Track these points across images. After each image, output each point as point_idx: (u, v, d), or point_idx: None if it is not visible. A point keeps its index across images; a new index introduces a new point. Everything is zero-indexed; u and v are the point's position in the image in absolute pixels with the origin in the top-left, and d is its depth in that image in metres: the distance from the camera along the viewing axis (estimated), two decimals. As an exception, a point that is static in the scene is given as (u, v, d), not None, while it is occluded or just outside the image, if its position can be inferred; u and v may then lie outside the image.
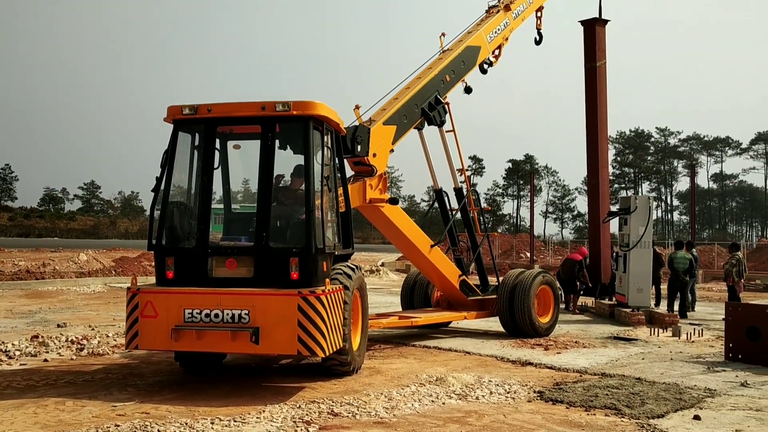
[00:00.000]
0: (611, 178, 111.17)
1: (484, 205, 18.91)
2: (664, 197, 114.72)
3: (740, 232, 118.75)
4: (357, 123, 11.15)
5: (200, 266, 8.15)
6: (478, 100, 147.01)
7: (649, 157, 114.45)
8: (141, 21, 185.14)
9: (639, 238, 15.52)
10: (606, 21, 19.72)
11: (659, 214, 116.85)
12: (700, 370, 9.69)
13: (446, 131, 13.22)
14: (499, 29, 14.27)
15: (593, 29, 19.52)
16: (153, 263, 35.32)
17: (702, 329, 13.91)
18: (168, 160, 8.37)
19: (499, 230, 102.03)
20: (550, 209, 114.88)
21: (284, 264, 7.99)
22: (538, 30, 16.16)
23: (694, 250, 18.74)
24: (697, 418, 7.02)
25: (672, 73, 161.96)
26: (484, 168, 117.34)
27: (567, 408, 7.42)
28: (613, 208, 17.51)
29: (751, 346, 10.25)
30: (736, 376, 9.24)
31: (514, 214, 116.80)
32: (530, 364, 10.09)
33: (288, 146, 8.60)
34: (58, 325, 13.71)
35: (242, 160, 9.68)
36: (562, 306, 17.95)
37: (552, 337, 12.92)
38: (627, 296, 15.65)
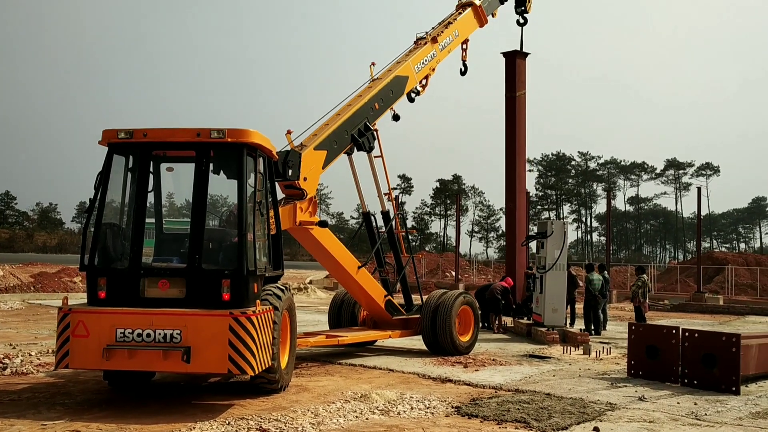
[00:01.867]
0: (533, 199, 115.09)
1: (409, 226, 19.46)
2: (584, 219, 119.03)
3: (654, 254, 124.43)
4: (289, 148, 11.54)
5: (132, 287, 8.34)
6: (418, 118, 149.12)
7: (570, 180, 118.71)
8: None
9: (555, 260, 16.42)
10: (526, 54, 20.78)
11: (579, 235, 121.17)
12: (604, 386, 10.45)
13: (375, 156, 13.76)
14: (426, 60, 14.93)
15: (514, 61, 20.54)
16: (73, 279, 34.24)
17: (610, 347, 14.81)
18: (102, 181, 8.55)
19: (427, 249, 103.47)
20: (476, 229, 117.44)
21: (216, 285, 8.27)
22: (464, 62, 16.92)
23: (606, 272, 19.83)
24: (596, 430, 7.69)
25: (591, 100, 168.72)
26: (412, 187, 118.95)
27: (481, 422, 7.97)
28: (533, 231, 18.47)
29: (650, 364, 11.10)
30: (636, 391, 10.03)
31: (441, 233, 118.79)
32: (450, 380, 10.64)
33: (222, 171, 8.90)
34: (-23, 344, 13.43)
35: (174, 181, 9.94)
36: (486, 325, 18.70)
37: (472, 355, 13.54)
38: (543, 316, 16.51)
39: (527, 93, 20.71)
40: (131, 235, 8.53)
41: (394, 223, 14.44)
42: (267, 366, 8.50)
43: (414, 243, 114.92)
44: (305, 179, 11.61)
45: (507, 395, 9.52)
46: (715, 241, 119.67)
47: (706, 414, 8.66)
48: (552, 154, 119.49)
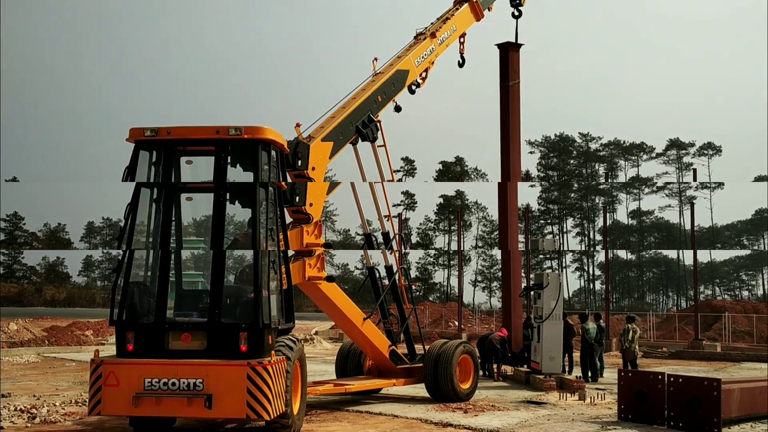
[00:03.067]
0: (535, 213, 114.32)
1: (413, 277, 20.18)
2: (587, 233, 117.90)
3: (657, 301, 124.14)
4: (298, 139, 12.34)
5: (158, 340, 9.12)
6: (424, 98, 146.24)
7: (571, 161, 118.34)
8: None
9: (551, 311, 17.17)
10: (520, 45, 21.57)
11: (582, 284, 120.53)
12: (596, 429, 11.11)
13: (378, 146, 14.42)
14: (425, 54, 15.68)
15: (507, 52, 21.38)
16: (84, 332, 34.98)
17: (605, 393, 15.42)
18: (131, 211, 9.25)
19: (430, 299, 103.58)
20: (479, 279, 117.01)
21: (234, 337, 9.05)
22: (461, 54, 17.47)
23: (601, 321, 20.52)
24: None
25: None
26: (415, 169, 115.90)
27: (478, 461, 8.64)
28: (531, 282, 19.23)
29: (639, 407, 11.77)
30: (624, 434, 10.69)
31: (445, 283, 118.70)
32: (450, 425, 11.29)
33: (239, 164, 9.74)
34: (2, 395, 14.05)
35: (192, 208, 10.67)
36: (486, 373, 19.29)
37: (472, 401, 14.19)
38: (540, 364, 17.16)
39: (521, 82, 21.41)
40: (156, 291, 9.31)
41: (397, 276, 15.18)
42: (281, 412, 9.21)
43: (417, 293, 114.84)
44: (311, 205, 12.31)
45: (503, 438, 10.17)
46: (717, 288, 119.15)
47: (687, 453, 9.29)
48: (555, 135, 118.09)
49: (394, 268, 14.98)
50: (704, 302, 47.80)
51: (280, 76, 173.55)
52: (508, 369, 19.91)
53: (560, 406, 13.81)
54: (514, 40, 21.59)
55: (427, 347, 14.90)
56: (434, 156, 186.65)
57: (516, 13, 20.49)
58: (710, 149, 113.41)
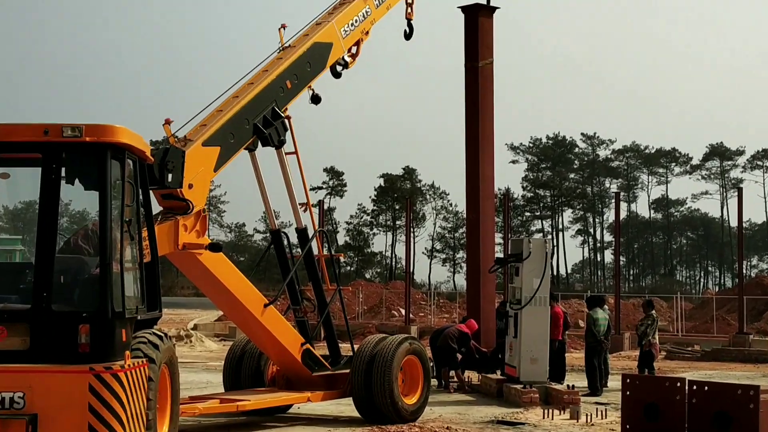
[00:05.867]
0: (521, 203, 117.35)
1: (339, 246, 20.40)
2: (591, 230, 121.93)
3: (692, 279, 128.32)
4: (168, 144, 12.45)
5: (-42, 336, 9.09)
6: (342, 93, 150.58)
7: (571, 175, 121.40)
8: None
9: (533, 292, 17.72)
10: (493, 8, 21.87)
11: (585, 254, 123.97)
12: (589, 459, 11.70)
13: (287, 153, 14.77)
14: (356, 21, 15.89)
15: (476, 18, 21.60)
16: None
17: (607, 409, 16.13)
18: None
19: (367, 276, 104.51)
20: (438, 246, 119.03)
21: (71, 333, 9.09)
22: (409, 21, 17.90)
23: (606, 306, 21.32)
24: None
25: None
26: (345, 186, 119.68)
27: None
28: (501, 254, 19.77)
29: (649, 427, 12.40)
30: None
31: (388, 254, 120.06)
32: (387, 457, 11.70)
33: (78, 180, 9.76)
34: None
35: (10, 190, 10.76)
36: (442, 383, 19.85)
37: (420, 422, 14.63)
38: (518, 369, 17.76)
39: (495, 62, 21.88)
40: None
41: (315, 243, 15.43)
42: (140, 439, 9.37)
43: (347, 268, 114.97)
44: (190, 186, 12.53)
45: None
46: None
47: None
48: (547, 138, 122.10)
49: (311, 232, 15.21)
50: (753, 280, 49.34)
51: (140, 50, 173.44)
52: (473, 376, 20.53)
53: (543, 428, 14.41)
54: (484, 1, 21.62)
55: (357, 346, 15.24)
56: (372, 167, 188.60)
57: None
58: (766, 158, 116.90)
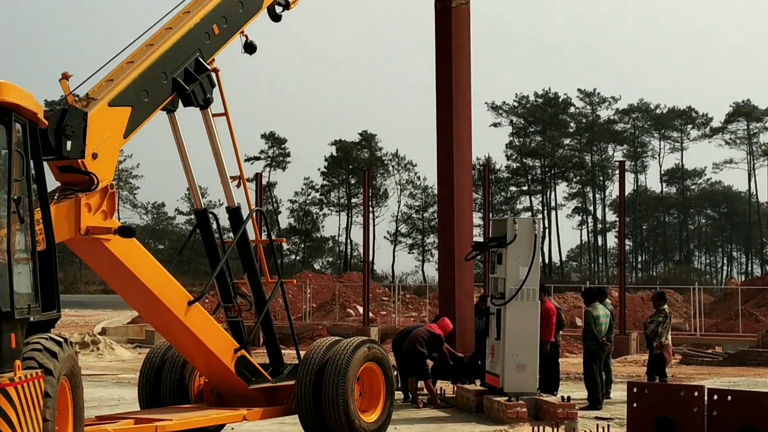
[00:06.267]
0: (505, 175, 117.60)
1: (282, 230, 20.32)
2: (590, 207, 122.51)
3: (714, 266, 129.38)
4: (66, 104, 12.31)
5: None
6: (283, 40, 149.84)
7: (566, 141, 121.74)
8: None
9: (520, 284, 17.78)
10: None
11: (584, 238, 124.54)
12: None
13: (214, 115, 14.69)
14: None
15: None
16: None
17: (609, 425, 16.25)
18: None
19: (316, 267, 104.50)
20: (404, 230, 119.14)
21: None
22: None
23: (608, 300, 21.50)
24: None
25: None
26: (288, 156, 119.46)
27: None
28: (480, 238, 19.83)
29: (662, 446, 12.57)
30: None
31: (341, 239, 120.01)
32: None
33: None
34: None
35: None
36: (410, 396, 19.92)
37: (382, 444, 14.73)
38: (501, 377, 17.84)
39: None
40: None
41: (251, 226, 15.39)
42: (35, 468, 9.31)
43: (291, 257, 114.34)
44: (95, 157, 12.39)
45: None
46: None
47: None
48: (536, 96, 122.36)
49: (245, 212, 15.16)
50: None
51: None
52: (446, 387, 20.61)
53: (533, 449, 14.53)
54: None
55: (304, 352, 15.21)
56: (322, 133, 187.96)
57: None
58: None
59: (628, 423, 12.96)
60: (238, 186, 15.14)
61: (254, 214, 15.69)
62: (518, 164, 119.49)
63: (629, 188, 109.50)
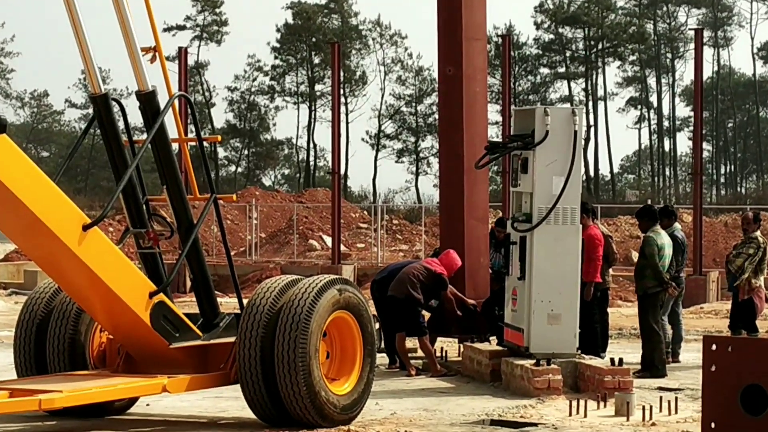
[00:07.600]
0: (534, 50, 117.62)
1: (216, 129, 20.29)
2: (653, 98, 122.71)
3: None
4: None
5: None
6: None
7: (619, 2, 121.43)
8: None
9: (554, 201, 17.86)
10: None
11: (644, 141, 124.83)
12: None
13: None
14: None
15: None
16: None
17: (677, 397, 16.42)
18: None
19: (266, 183, 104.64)
20: (390, 130, 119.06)
21: None
22: None
23: (677, 225, 21.59)
24: None
25: None
26: (226, 24, 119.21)
27: None
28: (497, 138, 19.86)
29: (750, 427, 12.68)
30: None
31: (301, 143, 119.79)
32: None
33: None
34: None
35: None
36: (397, 359, 20.21)
37: (358, 424, 14.83)
38: (527, 332, 17.99)
39: None
40: None
41: (172, 121, 15.42)
42: None
43: (229, 168, 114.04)
44: None
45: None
46: None
47: None
48: None
49: (164, 99, 15.13)
50: None
51: None
52: (449, 347, 20.77)
53: None
54: None
55: (248, 299, 15.22)
56: None
57: None
58: None
59: (704, 394, 12.98)
60: (152, 61, 15.01)
61: (176, 100, 15.58)
62: (552, 35, 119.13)
63: (708, 70, 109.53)
